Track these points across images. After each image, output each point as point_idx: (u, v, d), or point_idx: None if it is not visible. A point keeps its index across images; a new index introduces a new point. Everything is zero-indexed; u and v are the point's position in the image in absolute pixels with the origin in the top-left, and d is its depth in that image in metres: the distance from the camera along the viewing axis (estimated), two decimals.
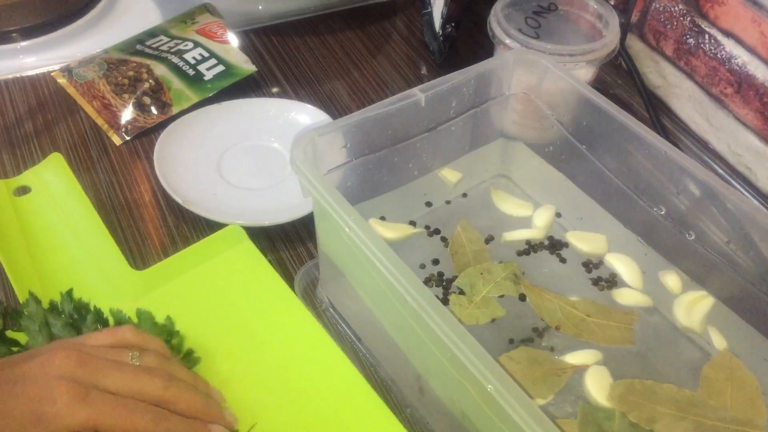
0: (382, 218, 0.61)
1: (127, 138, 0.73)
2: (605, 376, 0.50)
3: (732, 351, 0.53)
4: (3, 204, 0.62)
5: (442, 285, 0.57)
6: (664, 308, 0.56)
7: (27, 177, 0.66)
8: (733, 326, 0.54)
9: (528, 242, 0.60)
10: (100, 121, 0.74)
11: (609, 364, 0.52)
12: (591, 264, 0.59)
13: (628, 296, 0.57)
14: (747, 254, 0.52)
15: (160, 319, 0.53)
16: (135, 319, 0.53)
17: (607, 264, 0.59)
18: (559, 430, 0.36)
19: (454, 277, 0.57)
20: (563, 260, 0.59)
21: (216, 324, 0.56)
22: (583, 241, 0.60)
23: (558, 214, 0.62)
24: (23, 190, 0.65)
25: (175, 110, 0.75)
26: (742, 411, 0.48)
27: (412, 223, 0.62)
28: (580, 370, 0.51)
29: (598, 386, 0.50)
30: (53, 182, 0.65)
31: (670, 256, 0.58)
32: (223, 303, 0.57)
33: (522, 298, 0.56)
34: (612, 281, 0.58)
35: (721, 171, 0.75)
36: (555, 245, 0.60)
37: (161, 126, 0.73)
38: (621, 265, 0.58)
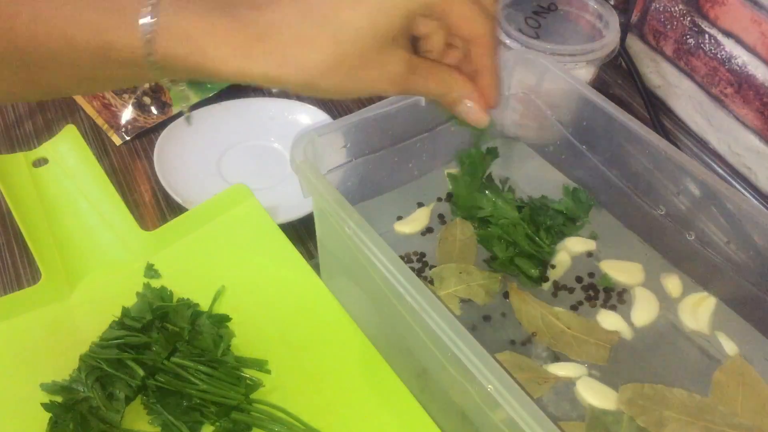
0: (399, 218, 0.61)
1: (127, 138, 0.73)
2: (598, 385, 0.50)
3: (734, 352, 0.53)
4: (22, 175, 0.66)
5: (417, 268, 0.57)
6: (670, 313, 0.55)
7: (45, 149, 0.69)
8: (734, 326, 0.54)
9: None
10: (100, 121, 0.74)
11: (610, 370, 0.51)
12: (613, 291, 0.56)
13: (612, 321, 0.54)
14: (747, 254, 0.52)
15: (173, 276, 0.59)
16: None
17: (631, 293, 0.56)
18: (559, 430, 0.36)
19: (432, 266, 0.57)
20: (575, 306, 0.56)
21: (222, 279, 0.58)
22: (617, 271, 0.57)
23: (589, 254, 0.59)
24: (41, 162, 0.68)
25: (175, 110, 0.75)
26: (753, 417, 0.48)
27: (420, 204, 0.62)
28: (564, 382, 0.50)
29: (593, 393, 0.49)
30: (69, 153, 0.69)
31: (671, 256, 0.58)
32: (229, 259, 0.60)
33: (506, 296, 0.55)
34: (607, 303, 0.56)
35: (721, 171, 0.75)
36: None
37: (161, 126, 0.73)
38: (643, 299, 0.55)
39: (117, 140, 0.73)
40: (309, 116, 0.74)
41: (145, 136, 0.73)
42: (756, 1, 0.66)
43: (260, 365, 0.53)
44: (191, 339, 0.53)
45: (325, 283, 0.59)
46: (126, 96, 0.75)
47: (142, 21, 0.34)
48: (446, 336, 0.40)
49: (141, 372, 0.50)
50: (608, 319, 0.55)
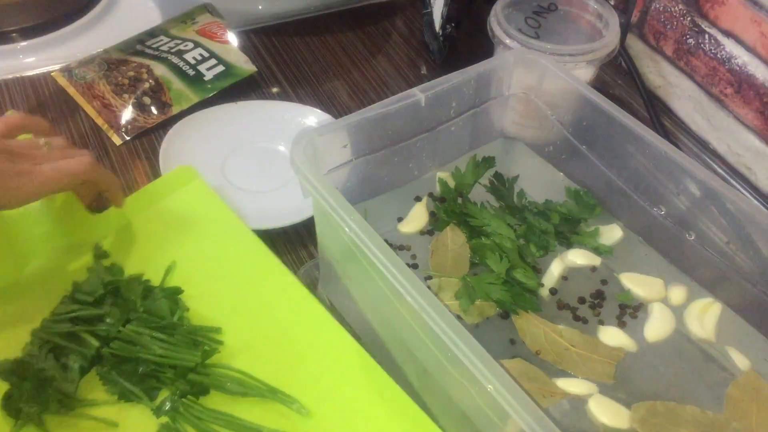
0: (399, 219, 0.60)
1: (127, 138, 0.73)
2: (610, 403, 0.49)
3: (744, 362, 0.52)
4: None
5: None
6: (676, 321, 0.54)
7: None
8: (740, 332, 0.54)
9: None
10: (100, 121, 0.74)
11: (619, 383, 0.50)
12: (627, 307, 0.55)
13: (618, 336, 0.53)
14: (747, 254, 0.52)
15: (122, 255, 0.59)
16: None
17: (647, 308, 0.55)
18: (559, 430, 0.36)
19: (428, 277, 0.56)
20: (582, 319, 0.55)
21: (172, 256, 0.59)
22: (638, 285, 0.56)
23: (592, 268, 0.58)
24: None
25: (175, 110, 0.75)
26: None
27: (418, 199, 0.61)
28: (570, 398, 0.49)
29: (605, 412, 0.48)
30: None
31: (671, 258, 0.58)
32: (178, 237, 0.61)
33: (504, 316, 0.54)
34: (620, 318, 0.55)
35: (721, 171, 0.75)
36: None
37: (161, 126, 0.73)
38: (659, 315, 0.54)
39: (117, 140, 0.73)
40: (315, 119, 0.74)
41: (145, 136, 0.73)
42: (756, 1, 0.66)
43: (214, 332, 0.54)
44: (145, 309, 0.54)
45: (324, 284, 0.59)
46: (126, 96, 0.75)
47: None
48: (446, 336, 0.40)
49: (95, 342, 0.51)
50: (614, 335, 0.53)
